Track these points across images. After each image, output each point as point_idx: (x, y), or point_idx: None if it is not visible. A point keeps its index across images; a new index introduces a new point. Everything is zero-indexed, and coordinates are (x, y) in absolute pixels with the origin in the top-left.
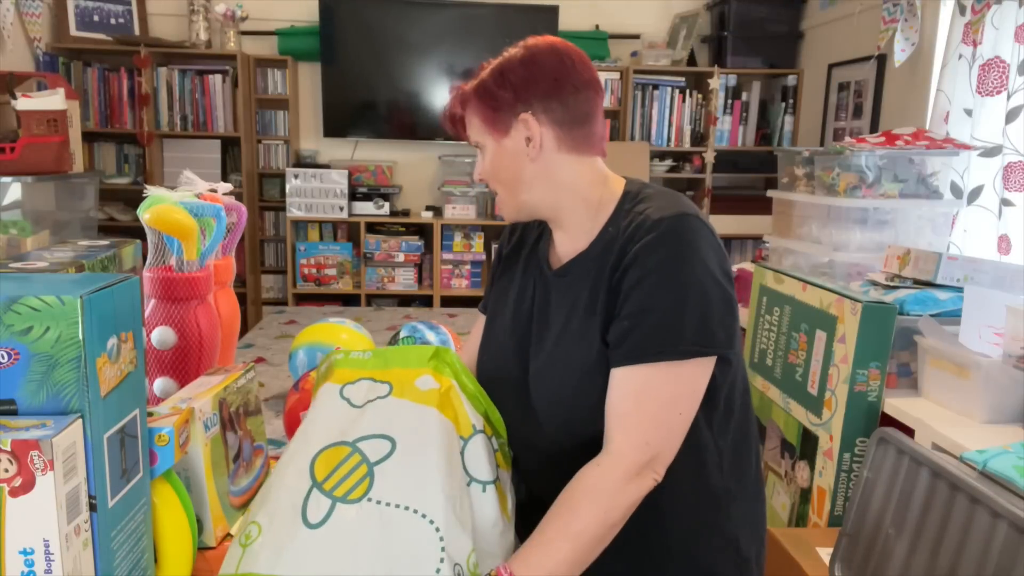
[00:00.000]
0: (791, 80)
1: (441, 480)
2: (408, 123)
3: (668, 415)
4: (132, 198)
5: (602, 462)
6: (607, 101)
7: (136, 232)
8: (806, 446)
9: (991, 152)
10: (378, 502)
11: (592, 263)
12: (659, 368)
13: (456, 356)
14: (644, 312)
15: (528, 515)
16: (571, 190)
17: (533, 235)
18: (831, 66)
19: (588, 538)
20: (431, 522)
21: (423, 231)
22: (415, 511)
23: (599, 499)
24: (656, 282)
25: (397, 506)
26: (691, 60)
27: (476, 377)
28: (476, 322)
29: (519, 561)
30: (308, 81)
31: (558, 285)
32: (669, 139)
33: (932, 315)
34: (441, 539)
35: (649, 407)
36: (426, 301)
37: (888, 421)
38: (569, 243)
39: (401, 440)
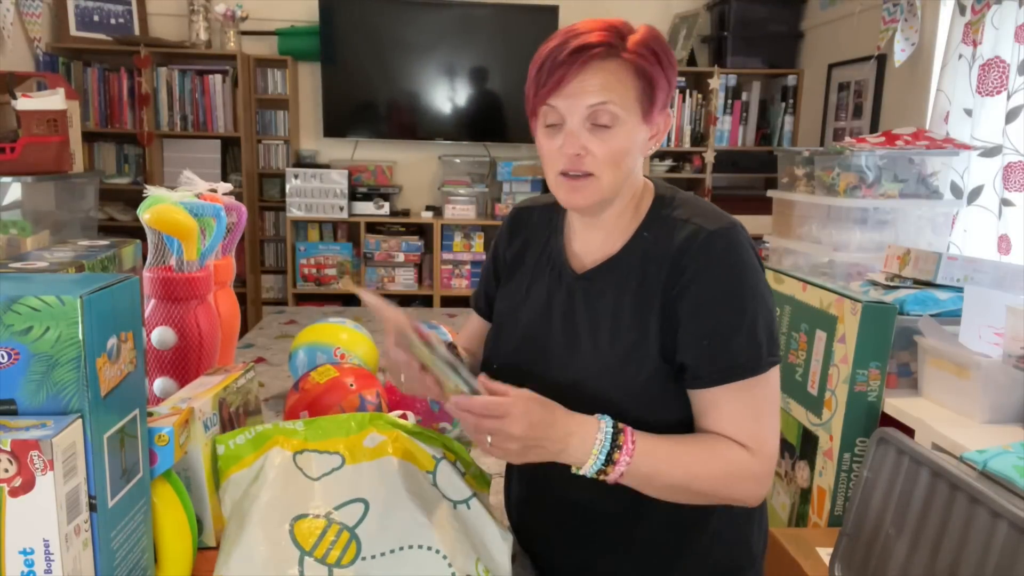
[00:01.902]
0: (791, 80)
1: (420, 510)
2: (408, 123)
3: (777, 424)
4: (132, 198)
5: (755, 454)
6: None
7: (136, 232)
8: (806, 446)
9: (991, 152)
10: (372, 557)
11: (630, 270)
12: (757, 383)
13: (393, 417)
14: (722, 331)
15: (525, 514)
16: (634, 188)
17: (541, 235)
18: (831, 66)
19: (696, 486)
20: (428, 548)
21: (423, 231)
22: (408, 546)
23: (730, 477)
24: (726, 300)
25: (392, 551)
26: (691, 60)
27: None
28: (468, 320)
29: (646, 439)
30: (308, 81)
31: (584, 289)
32: (669, 139)
33: (932, 315)
34: (444, 557)
35: (766, 419)
36: (426, 301)
37: (888, 421)
38: (599, 245)
39: (372, 497)
